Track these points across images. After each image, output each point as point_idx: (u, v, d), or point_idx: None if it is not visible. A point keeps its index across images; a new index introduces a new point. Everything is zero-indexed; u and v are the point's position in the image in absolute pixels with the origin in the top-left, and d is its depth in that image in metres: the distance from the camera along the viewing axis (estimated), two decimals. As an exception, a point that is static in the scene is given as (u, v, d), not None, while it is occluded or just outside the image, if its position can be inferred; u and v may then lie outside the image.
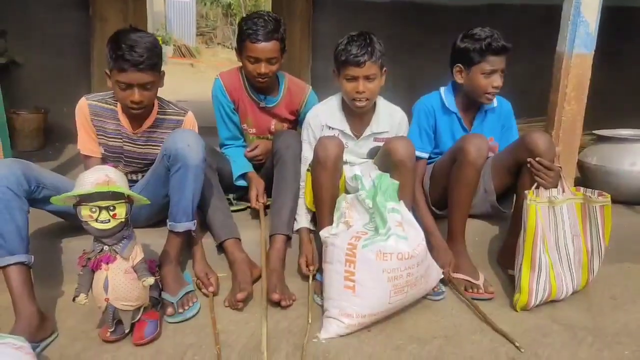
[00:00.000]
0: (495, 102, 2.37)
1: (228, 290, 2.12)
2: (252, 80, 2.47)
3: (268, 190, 2.44)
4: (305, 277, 2.22)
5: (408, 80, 4.03)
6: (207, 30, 20.74)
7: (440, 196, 2.32)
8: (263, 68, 2.35)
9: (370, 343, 1.83)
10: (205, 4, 20.85)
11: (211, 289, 2.08)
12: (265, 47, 2.32)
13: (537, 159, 2.08)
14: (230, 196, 2.58)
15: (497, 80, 2.23)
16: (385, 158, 2.16)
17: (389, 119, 2.33)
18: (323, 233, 2.04)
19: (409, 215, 1.97)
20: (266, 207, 2.41)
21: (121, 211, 1.69)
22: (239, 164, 2.53)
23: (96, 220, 1.67)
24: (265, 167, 2.57)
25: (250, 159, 2.58)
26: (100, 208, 1.66)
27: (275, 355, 1.75)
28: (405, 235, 1.86)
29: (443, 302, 2.12)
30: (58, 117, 4.08)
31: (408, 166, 2.09)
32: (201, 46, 19.13)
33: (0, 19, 3.94)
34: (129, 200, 1.72)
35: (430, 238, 2.20)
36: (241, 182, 2.51)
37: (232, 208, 2.49)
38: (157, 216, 2.26)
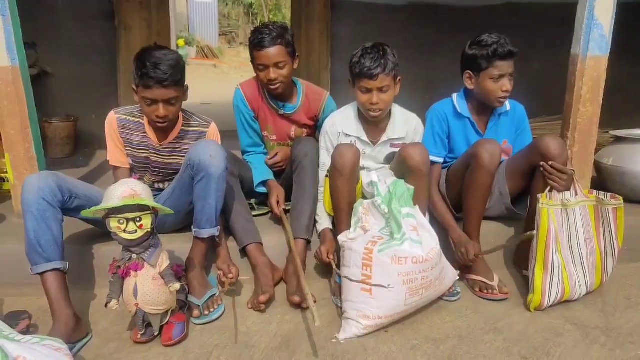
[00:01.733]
0: (508, 106, 2.42)
1: (251, 293, 2.22)
2: (267, 88, 2.55)
3: (288, 196, 2.53)
4: (325, 274, 2.29)
5: (425, 82, 4.08)
6: (229, 30, 20.90)
7: (456, 200, 2.38)
8: (272, 73, 2.43)
9: (387, 343, 1.90)
10: (227, 4, 21.01)
11: (230, 276, 2.12)
12: (270, 52, 2.40)
13: (549, 162, 2.12)
14: (252, 201, 2.67)
15: (506, 85, 2.28)
16: (401, 164, 2.23)
17: (405, 125, 2.39)
18: (341, 237, 2.12)
19: (424, 220, 2.04)
20: (286, 211, 2.50)
21: (147, 222, 1.80)
22: (259, 172, 2.62)
23: (124, 231, 1.78)
24: (286, 173, 2.66)
25: (271, 166, 2.67)
26: (128, 220, 1.77)
27: (297, 355, 1.84)
28: (419, 240, 1.93)
29: (458, 302, 2.18)
30: (87, 124, 4.24)
31: (423, 172, 2.16)
32: (224, 46, 19.28)
33: (30, 31, 4.10)
34: (154, 211, 1.83)
35: (452, 234, 2.27)
36: (261, 189, 2.60)
37: (254, 213, 2.59)
38: (183, 222, 2.37)
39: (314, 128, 2.77)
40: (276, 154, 2.67)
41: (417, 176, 2.16)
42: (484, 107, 2.41)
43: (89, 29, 4.28)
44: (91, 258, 2.32)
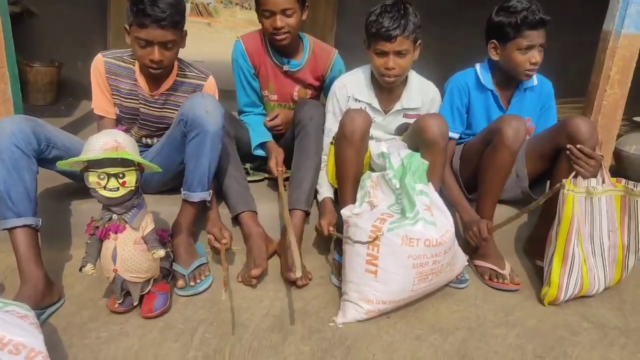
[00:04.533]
0: (535, 81, 2.22)
1: (242, 264, 2.04)
2: (271, 39, 2.31)
3: (287, 162, 2.32)
4: (323, 250, 2.13)
5: (440, 54, 3.82)
6: (225, -11, 20.28)
7: (469, 179, 2.20)
8: (278, 21, 2.20)
9: (390, 331, 1.74)
10: (223, -39, 20.32)
11: (224, 241, 1.95)
12: None
13: (577, 146, 1.94)
14: (247, 166, 2.47)
15: (535, 57, 2.07)
16: (415, 136, 2.03)
17: (421, 94, 2.19)
18: (345, 212, 1.93)
19: (438, 199, 1.85)
20: (285, 179, 2.30)
21: (131, 179, 1.59)
22: (258, 133, 2.41)
23: (104, 187, 1.56)
24: (285, 137, 2.45)
25: (269, 129, 2.46)
26: (109, 175, 1.55)
27: (290, 337, 1.67)
28: (433, 221, 1.75)
29: (466, 290, 2.02)
30: (72, 72, 3.96)
31: (440, 145, 1.96)
32: (218, 5, 18.72)
33: (15, -34, 3.78)
34: (139, 167, 1.62)
35: (463, 215, 2.10)
36: (259, 152, 2.40)
37: (249, 178, 2.38)
38: (171, 183, 2.16)
39: (319, 90, 2.56)
40: (276, 116, 2.45)
41: (433, 150, 1.96)
42: (509, 80, 2.20)
43: (80, -35, 3.96)
44: (68, 215, 2.11)
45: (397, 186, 1.84)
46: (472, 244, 2.07)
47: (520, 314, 1.87)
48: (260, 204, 2.21)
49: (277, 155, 2.28)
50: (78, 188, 2.17)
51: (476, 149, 2.13)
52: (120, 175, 1.56)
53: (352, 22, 4.21)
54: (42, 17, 3.96)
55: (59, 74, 3.76)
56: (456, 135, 2.25)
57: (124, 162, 1.55)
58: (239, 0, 19.91)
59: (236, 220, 2.15)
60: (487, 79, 2.21)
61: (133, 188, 1.60)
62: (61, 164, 1.59)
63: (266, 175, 2.49)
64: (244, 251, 2.09)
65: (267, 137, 2.40)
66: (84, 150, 1.58)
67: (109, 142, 1.54)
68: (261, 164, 2.51)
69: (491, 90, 2.21)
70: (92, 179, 1.55)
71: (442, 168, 2.06)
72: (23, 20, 3.80)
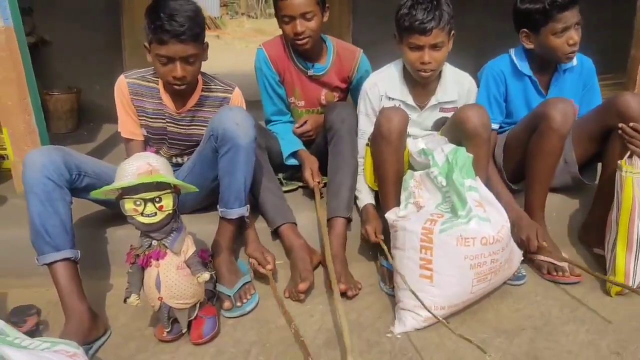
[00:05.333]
0: (575, 60, 2.10)
1: (286, 279, 1.96)
2: (293, 45, 2.24)
3: (321, 169, 2.24)
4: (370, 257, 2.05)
5: (469, 41, 3.67)
6: (230, 0, 20.32)
7: (514, 169, 2.09)
8: (299, 26, 2.12)
9: (452, 337, 1.63)
10: (227, -27, 20.38)
11: (269, 267, 1.88)
12: (295, 1, 2.09)
13: (630, 124, 1.82)
14: (280, 176, 2.39)
15: (573, 37, 1.96)
16: (455, 129, 1.93)
17: (457, 86, 2.09)
18: (390, 216, 1.84)
19: (489, 194, 1.75)
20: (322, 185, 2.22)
21: (168, 202, 1.52)
22: (288, 142, 2.33)
23: (142, 214, 1.50)
24: (316, 143, 2.37)
25: (299, 136, 2.38)
26: (145, 200, 1.49)
27: (349, 352, 1.58)
28: (487, 217, 1.65)
29: (524, 287, 1.91)
30: (90, 96, 3.93)
31: (483, 137, 1.86)
32: (225, 17, 18.77)
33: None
34: (175, 189, 1.55)
35: (510, 212, 1.98)
36: (292, 161, 2.32)
37: (283, 189, 2.30)
38: (205, 201, 2.10)
39: (346, 92, 2.47)
40: (305, 122, 2.37)
41: (476, 142, 1.87)
42: (546, 63, 2.09)
43: (88, -11, 3.93)
44: (104, 243, 2.05)
45: (444, 184, 1.75)
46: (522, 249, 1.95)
47: (587, 308, 1.76)
48: (297, 214, 2.13)
49: (311, 165, 2.20)
50: (111, 215, 2.12)
51: (520, 138, 2.03)
52: (157, 200, 1.49)
53: (368, 19, 4.14)
54: (55, 44, 3.95)
55: (78, 100, 3.73)
56: (496, 126, 2.14)
57: (160, 186, 1.49)
58: (245, 10, 19.96)
59: (275, 233, 2.08)
60: (523, 64, 2.10)
61: (171, 211, 1.53)
62: (95, 194, 1.53)
63: (300, 184, 2.41)
64: (286, 265, 2.02)
65: (299, 145, 2.32)
66: (116, 176, 1.51)
67: (142, 166, 1.48)
68: (293, 172, 2.44)
69: (529, 76, 2.10)
70: (128, 206, 1.49)
71: (486, 160, 1.96)
72: (38, 50, 3.79)
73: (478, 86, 2.15)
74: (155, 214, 1.49)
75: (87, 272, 1.87)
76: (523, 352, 1.57)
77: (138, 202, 1.48)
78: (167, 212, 1.51)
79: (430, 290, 1.65)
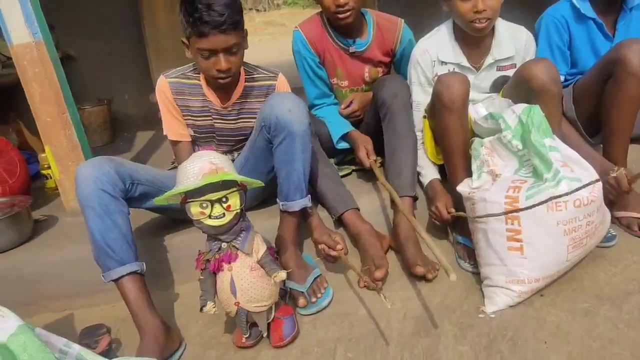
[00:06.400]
0: None
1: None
2: (334, 20, 2.10)
3: (375, 149, 2.12)
4: (440, 235, 1.93)
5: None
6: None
7: (587, 123, 1.93)
8: None
9: (551, 311, 1.51)
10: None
11: (339, 247, 1.75)
12: None
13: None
14: (331, 161, 2.28)
15: None
16: (520, 88, 1.78)
17: (513, 41, 1.94)
18: (463, 188, 1.71)
19: (571, 152, 1.60)
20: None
21: (235, 201, 1.43)
22: (336, 125, 2.21)
23: (209, 216, 1.41)
24: (365, 122, 2.25)
25: (346, 117, 2.26)
26: (212, 202, 1.39)
27: (441, 339, 1.47)
28: (576, 177, 1.51)
29: (616, 248, 1.77)
30: (121, 106, 3.90)
31: (554, 92, 1.71)
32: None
33: (46, 14, 3.72)
34: (241, 186, 1.45)
35: (592, 165, 1.84)
36: (343, 145, 2.20)
37: (337, 174, 2.19)
38: (261, 196, 2.01)
39: (389, 66, 2.34)
40: (351, 102, 2.25)
41: (546, 99, 1.71)
42: (611, 3, 1.92)
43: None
44: (163, 252, 1.98)
45: (520, 147, 1.61)
46: (610, 197, 1.80)
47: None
48: (357, 199, 2.01)
49: (365, 145, 2.07)
50: (165, 221, 2.06)
51: (592, 88, 1.87)
52: (224, 200, 1.40)
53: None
54: (80, 58, 3.91)
55: (110, 111, 3.68)
56: (561, 77, 1.99)
57: (225, 185, 1.39)
58: (252, 5, 19.82)
59: (338, 221, 1.97)
60: (585, 6, 1.93)
61: (238, 210, 1.43)
62: (158, 200, 1.44)
63: (353, 168, 2.30)
64: (353, 254, 1.91)
65: (348, 126, 2.20)
66: (178, 180, 1.42)
67: (205, 165, 1.38)
68: (345, 157, 2.33)
69: (593, 19, 1.94)
70: (194, 209, 1.39)
71: (559, 117, 1.81)
72: (65, 66, 3.73)
73: (536, 39, 1.99)
74: (224, 215, 1.40)
75: (149, 283, 1.79)
76: (636, 319, 1.43)
77: (205, 205, 1.38)
78: (235, 212, 1.42)
79: (522, 263, 1.52)
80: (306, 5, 18.14)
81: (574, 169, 1.54)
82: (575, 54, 1.99)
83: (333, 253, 1.74)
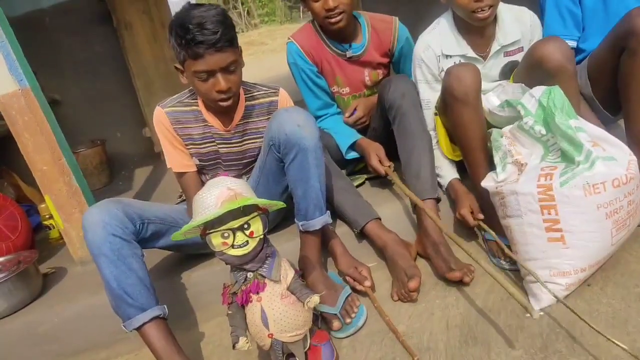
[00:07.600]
0: None
1: (382, 282, 1.77)
2: (326, 25, 2.03)
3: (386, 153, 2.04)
4: (467, 236, 1.84)
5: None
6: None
7: (608, 98, 1.84)
8: (331, 1, 1.92)
9: (603, 300, 1.42)
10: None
11: (367, 283, 1.70)
12: None
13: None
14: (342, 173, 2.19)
15: None
16: (534, 71, 1.70)
17: (517, 24, 1.86)
18: (488, 183, 1.63)
19: (599, 130, 1.52)
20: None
21: (257, 227, 1.33)
22: (343, 135, 2.13)
23: (232, 246, 1.31)
24: (372, 128, 2.17)
25: (351, 125, 2.18)
26: (234, 230, 1.30)
27: (492, 345, 1.38)
28: (610, 155, 1.43)
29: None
30: (115, 145, 3.81)
31: (570, 71, 1.64)
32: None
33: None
34: (262, 210, 1.36)
35: None
36: (352, 155, 2.11)
37: (351, 185, 2.10)
38: (278, 218, 1.92)
39: (388, 67, 2.27)
40: (355, 109, 2.17)
41: (562, 79, 1.63)
42: None
43: (87, 38, 3.78)
44: (182, 290, 1.88)
45: (543, 132, 1.53)
46: None
47: None
48: (376, 208, 1.92)
49: (377, 151, 1.98)
50: (180, 259, 1.98)
51: (607, 62, 1.77)
52: (246, 227, 1.30)
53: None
54: (67, 101, 3.82)
55: (105, 151, 3.59)
56: (573, 43, 1.90)
57: (245, 210, 1.30)
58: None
59: (361, 234, 1.88)
60: None
61: (262, 236, 1.34)
62: (175, 237, 1.34)
63: (366, 176, 2.21)
64: (381, 266, 1.82)
65: (355, 135, 2.12)
66: (195, 212, 1.33)
67: (223, 192, 1.29)
68: (355, 166, 2.25)
69: None
70: (216, 240, 1.30)
71: (577, 96, 1.73)
72: (52, 111, 3.65)
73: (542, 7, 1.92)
74: (247, 242, 1.31)
75: (172, 325, 1.70)
76: (696, 298, 1.35)
77: (226, 234, 1.29)
78: (258, 238, 1.32)
79: (565, 253, 1.43)
80: (283, 21, 18.20)
81: (605, 148, 1.46)
82: (585, 18, 1.87)
83: (359, 288, 1.66)
